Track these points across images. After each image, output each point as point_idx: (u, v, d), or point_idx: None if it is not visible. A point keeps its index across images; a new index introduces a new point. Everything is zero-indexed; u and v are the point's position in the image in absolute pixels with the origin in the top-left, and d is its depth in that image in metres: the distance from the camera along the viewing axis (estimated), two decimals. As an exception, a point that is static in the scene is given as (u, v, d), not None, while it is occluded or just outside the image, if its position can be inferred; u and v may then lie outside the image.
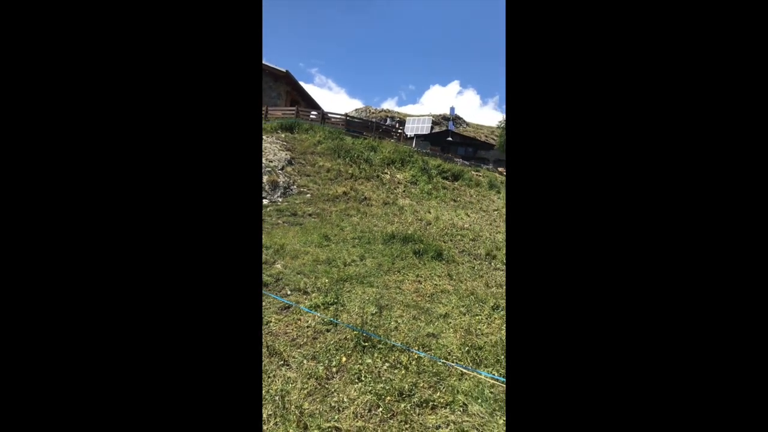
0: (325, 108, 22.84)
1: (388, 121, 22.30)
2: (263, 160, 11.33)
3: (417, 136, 15.81)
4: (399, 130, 17.94)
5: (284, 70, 19.95)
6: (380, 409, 2.64)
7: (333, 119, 17.23)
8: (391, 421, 2.54)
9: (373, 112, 26.17)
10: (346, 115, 18.54)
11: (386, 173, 12.45)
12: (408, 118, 19.15)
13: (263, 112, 16.95)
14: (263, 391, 2.77)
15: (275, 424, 2.44)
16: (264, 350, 3.39)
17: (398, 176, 12.40)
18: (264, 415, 2.50)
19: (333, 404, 2.68)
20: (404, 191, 11.53)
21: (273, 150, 12.37)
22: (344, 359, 3.26)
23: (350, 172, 11.96)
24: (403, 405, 2.68)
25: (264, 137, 13.50)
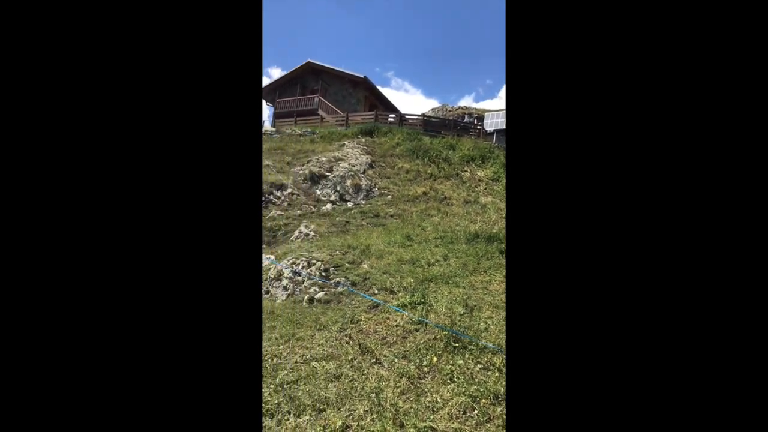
0: (402, 110, 23.07)
1: (466, 118, 21.86)
2: (346, 165, 11.75)
3: (497, 131, 15.25)
4: (478, 127, 17.45)
5: (362, 76, 20.52)
6: (476, 411, 2.58)
7: (410, 120, 17.32)
8: (488, 425, 2.47)
9: (450, 110, 25.86)
10: (423, 115, 18.52)
11: (466, 171, 12.19)
12: (486, 113, 18.53)
13: (344, 119, 17.59)
14: (358, 387, 2.86)
15: (372, 420, 2.50)
16: (356, 348, 3.50)
17: (479, 174, 12.07)
18: (361, 411, 2.58)
19: (427, 404, 2.67)
20: (486, 189, 11.19)
21: (354, 154, 12.77)
22: (435, 359, 3.24)
23: (429, 172, 11.91)
24: (499, 409, 2.59)
25: (346, 143, 13.98)
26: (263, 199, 10.71)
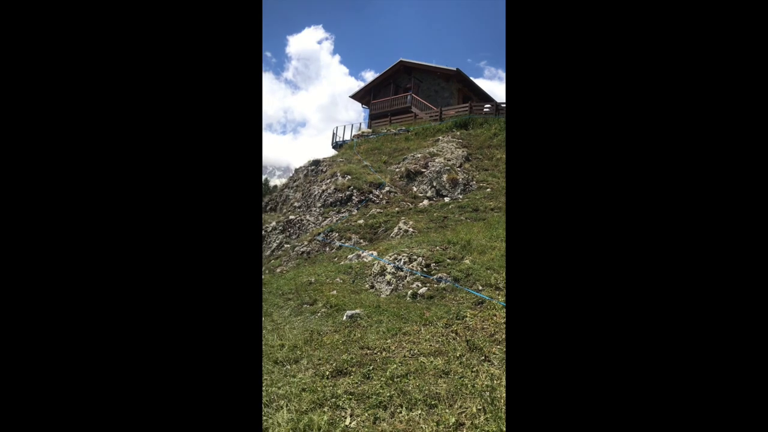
0: (498, 99, 22.12)
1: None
2: (441, 160, 11.63)
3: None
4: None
5: (454, 69, 20.15)
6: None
7: (507, 109, 16.52)
8: None
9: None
10: (521, 102, 17.52)
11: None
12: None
13: (437, 114, 17.44)
14: (469, 384, 2.79)
15: (486, 419, 2.41)
16: (463, 344, 3.42)
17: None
18: (473, 409, 2.50)
19: (545, 407, 2.50)
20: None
21: (450, 149, 12.59)
22: (551, 360, 3.02)
23: (531, 161, 11.23)
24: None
25: (440, 137, 13.84)
26: (363, 198, 11.11)
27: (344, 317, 4.39)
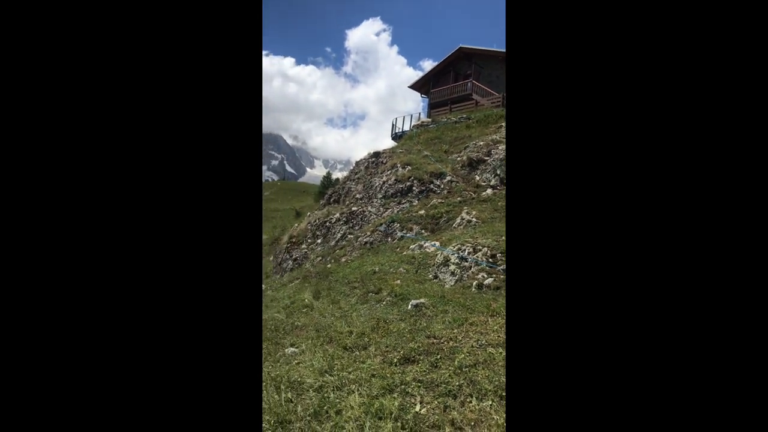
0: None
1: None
2: (505, 147, 11.22)
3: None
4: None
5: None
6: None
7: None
8: None
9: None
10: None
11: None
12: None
13: (500, 99, 16.82)
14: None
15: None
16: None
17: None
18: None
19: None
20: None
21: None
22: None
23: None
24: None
25: (503, 124, 13.35)
26: (423, 188, 11.06)
27: (409, 306, 4.43)
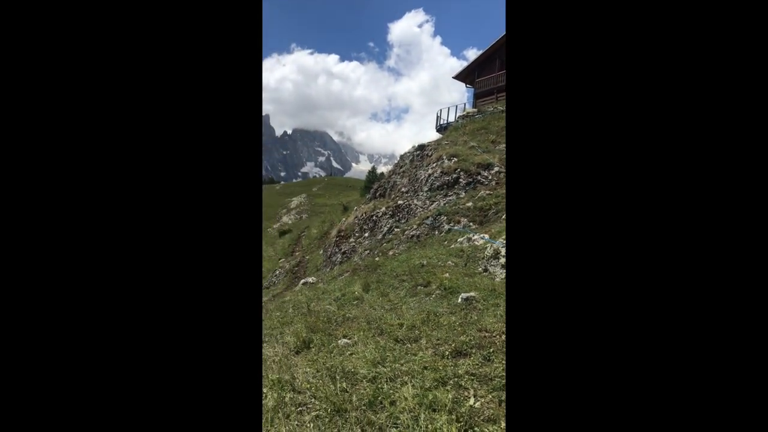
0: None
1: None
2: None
3: None
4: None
5: (567, 34, 18.35)
6: None
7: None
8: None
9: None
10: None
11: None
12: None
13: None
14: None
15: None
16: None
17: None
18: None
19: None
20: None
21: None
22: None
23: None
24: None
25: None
26: (471, 180, 10.86)
27: (459, 299, 4.39)
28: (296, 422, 2.33)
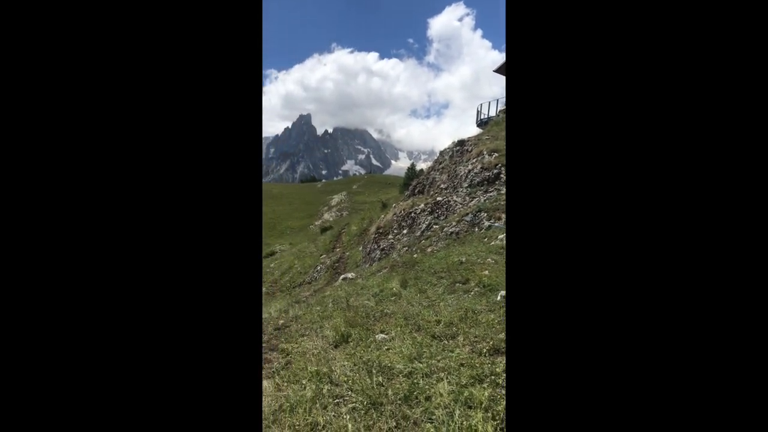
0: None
1: None
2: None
3: None
4: None
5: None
6: None
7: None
8: None
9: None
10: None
11: None
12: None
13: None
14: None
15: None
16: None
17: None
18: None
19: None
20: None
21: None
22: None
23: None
24: None
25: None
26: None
27: (498, 297, 4.31)
28: (333, 413, 2.39)
